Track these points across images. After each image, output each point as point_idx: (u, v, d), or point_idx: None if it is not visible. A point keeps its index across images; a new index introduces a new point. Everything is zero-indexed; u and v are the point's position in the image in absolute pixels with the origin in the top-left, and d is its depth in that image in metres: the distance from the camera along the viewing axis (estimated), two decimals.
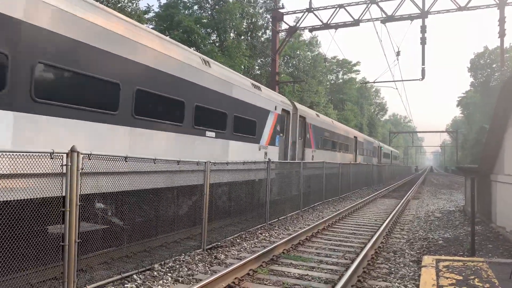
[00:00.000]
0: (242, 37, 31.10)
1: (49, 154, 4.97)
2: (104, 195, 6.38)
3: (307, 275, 6.57)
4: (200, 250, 7.83)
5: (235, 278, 6.13)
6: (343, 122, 48.79)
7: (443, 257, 7.21)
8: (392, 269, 6.99)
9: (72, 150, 5.10)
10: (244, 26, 31.00)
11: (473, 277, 5.77)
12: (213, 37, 29.91)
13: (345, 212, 14.00)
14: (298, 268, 6.97)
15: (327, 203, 17.09)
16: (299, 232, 9.39)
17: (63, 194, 5.06)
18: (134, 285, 5.78)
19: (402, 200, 18.45)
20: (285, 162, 13.90)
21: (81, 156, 5.20)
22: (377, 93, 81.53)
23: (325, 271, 6.87)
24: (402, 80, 28.43)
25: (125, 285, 5.77)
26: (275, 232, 10.24)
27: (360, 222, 12.49)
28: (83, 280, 5.68)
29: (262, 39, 33.78)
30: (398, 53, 26.28)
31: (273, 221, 11.49)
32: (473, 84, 64.71)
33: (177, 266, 6.78)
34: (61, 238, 5.05)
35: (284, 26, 25.18)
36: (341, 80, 60.62)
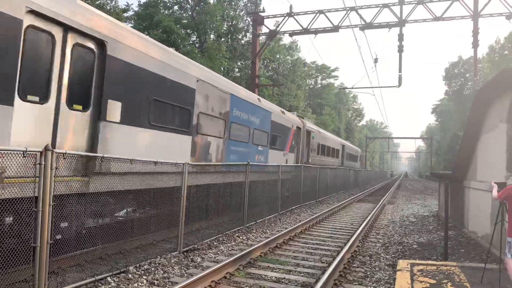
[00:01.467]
0: (223, 39, 31.01)
1: (22, 152, 4.81)
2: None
3: (284, 278, 6.57)
4: (176, 252, 7.72)
5: (212, 281, 6.06)
6: (321, 126, 49.39)
7: (417, 261, 7.36)
8: (368, 273, 7.07)
9: (46, 148, 4.94)
10: (224, 28, 30.94)
11: (446, 281, 5.90)
12: (193, 38, 29.72)
13: (322, 215, 14.11)
14: (275, 272, 6.96)
15: (304, 206, 17.20)
16: (276, 235, 9.39)
17: (36, 194, 4.89)
18: None
19: (378, 205, 18.75)
20: (263, 164, 13.89)
21: (55, 155, 5.04)
22: (355, 99, 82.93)
23: (302, 274, 6.88)
24: (380, 87, 29.05)
25: None
26: (253, 235, 10.21)
27: (336, 225, 12.62)
28: (54, 282, 5.50)
29: (243, 41, 33.81)
30: (376, 60, 26.83)
31: (250, 224, 11.46)
32: (447, 93, 66.68)
33: (153, 268, 6.65)
34: (32, 239, 4.88)
35: (264, 30, 25.31)
36: (319, 85, 61.36)
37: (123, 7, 25.15)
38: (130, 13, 26.52)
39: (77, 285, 5.55)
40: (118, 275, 6.16)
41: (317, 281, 6.20)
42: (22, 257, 4.95)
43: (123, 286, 5.74)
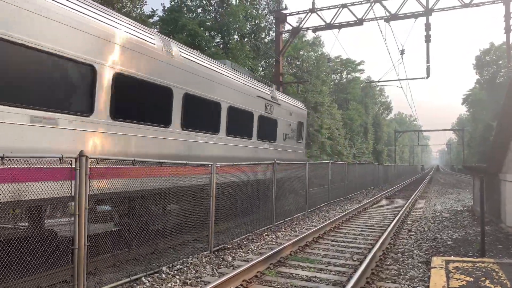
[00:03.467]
0: (246, 39, 31.10)
1: (58, 158, 5.03)
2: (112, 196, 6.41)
3: (315, 277, 6.55)
4: (207, 252, 7.84)
5: (243, 281, 6.12)
6: (347, 122, 48.64)
7: (452, 258, 7.16)
8: (401, 271, 6.95)
9: (81, 154, 5.13)
10: (247, 28, 30.99)
11: (484, 278, 5.72)
12: (217, 39, 29.94)
13: (351, 213, 13.95)
14: (306, 270, 6.95)
15: (333, 203, 17.04)
16: (306, 234, 9.37)
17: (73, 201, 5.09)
18: None
19: (409, 200, 18.35)
20: (289, 162, 13.86)
21: (89, 160, 5.24)
22: (382, 92, 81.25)
23: (333, 273, 6.84)
24: (407, 79, 28.31)
25: None
26: (282, 234, 10.22)
27: (367, 223, 12.44)
28: (92, 283, 5.71)
29: (266, 40, 33.75)
30: (402, 52, 26.12)
31: (279, 222, 11.47)
32: (478, 81, 64.31)
33: (185, 268, 6.79)
34: (70, 242, 5.09)
35: (287, 27, 25.16)
36: (345, 80, 60.46)
37: (148, 13, 25.71)
38: (155, 18, 27.03)
39: (113, 285, 5.74)
40: (152, 275, 6.32)
41: (349, 280, 6.15)
42: (62, 259, 5.18)
43: (157, 286, 5.89)
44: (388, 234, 9.78)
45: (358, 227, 11.52)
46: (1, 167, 4.46)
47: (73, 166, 5.11)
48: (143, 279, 6.13)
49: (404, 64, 37.89)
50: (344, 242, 9.36)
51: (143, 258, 7.25)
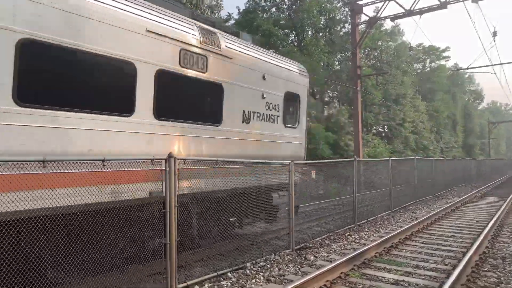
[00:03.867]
0: (321, 34, 30.60)
1: (150, 160, 5.45)
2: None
3: (403, 281, 6.23)
4: (289, 250, 7.89)
5: (327, 281, 6.05)
6: (433, 114, 45.28)
7: None
8: (502, 278, 6.30)
9: (170, 156, 5.49)
10: (322, 22, 30.47)
11: None
12: (292, 37, 29.90)
13: (441, 212, 13.00)
14: (392, 273, 6.64)
15: (420, 202, 16.04)
16: (391, 234, 8.95)
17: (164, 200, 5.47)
18: (229, 283, 6.02)
19: (508, 199, 16.57)
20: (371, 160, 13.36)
21: (177, 161, 5.58)
22: (471, 80, 74.25)
23: (423, 277, 6.44)
24: (501, 63, 25.62)
25: (221, 282, 6.04)
26: (365, 234, 9.88)
27: (459, 223, 11.50)
28: (183, 276, 6.08)
29: (341, 33, 32.85)
30: (494, 34, 23.74)
31: (361, 222, 11.11)
32: None
33: (268, 265, 6.91)
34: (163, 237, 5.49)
35: (363, 18, 24.20)
36: (428, 69, 56.39)
37: (224, 17, 26.61)
38: (232, 22, 27.84)
39: (202, 279, 6.06)
40: (237, 271, 6.54)
41: (441, 286, 5.74)
42: (155, 253, 5.63)
43: (242, 282, 6.08)
44: (485, 236, 8.93)
45: (449, 228, 10.70)
46: (103, 169, 4.94)
47: (163, 167, 5.49)
48: (229, 274, 6.37)
49: (496, 47, 34.11)
50: (433, 244, 8.76)
51: (228, 254, 7.54)
